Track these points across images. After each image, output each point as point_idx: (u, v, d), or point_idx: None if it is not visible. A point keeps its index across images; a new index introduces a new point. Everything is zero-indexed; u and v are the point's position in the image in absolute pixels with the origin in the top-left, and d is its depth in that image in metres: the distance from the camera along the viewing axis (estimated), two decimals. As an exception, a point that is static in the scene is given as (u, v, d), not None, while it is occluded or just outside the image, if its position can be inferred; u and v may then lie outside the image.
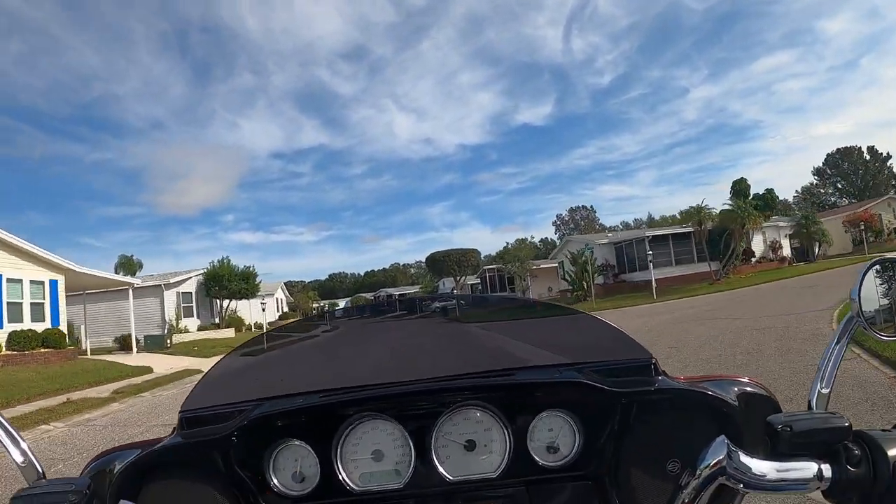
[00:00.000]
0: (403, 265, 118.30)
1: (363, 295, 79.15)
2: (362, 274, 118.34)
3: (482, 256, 56.33)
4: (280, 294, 54.34)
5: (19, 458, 0.90)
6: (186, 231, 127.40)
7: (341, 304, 77.68)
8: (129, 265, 53.38)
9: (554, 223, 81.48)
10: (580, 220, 79.35)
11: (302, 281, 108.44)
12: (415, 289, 69.84)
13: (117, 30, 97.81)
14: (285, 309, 54.93)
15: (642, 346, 1.12)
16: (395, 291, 70.37)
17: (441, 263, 52.07)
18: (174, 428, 1.08)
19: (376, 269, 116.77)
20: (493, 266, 54.31)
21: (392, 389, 1.06)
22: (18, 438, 0.91)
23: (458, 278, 51.96)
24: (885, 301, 1.01)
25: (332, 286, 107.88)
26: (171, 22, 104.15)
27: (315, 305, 58.32)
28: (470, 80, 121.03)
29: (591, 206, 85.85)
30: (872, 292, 1.01)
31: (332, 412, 1.02)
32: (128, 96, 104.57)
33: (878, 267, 1.02)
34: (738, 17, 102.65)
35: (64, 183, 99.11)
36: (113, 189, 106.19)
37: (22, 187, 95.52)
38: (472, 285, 57.22)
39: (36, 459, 0.90)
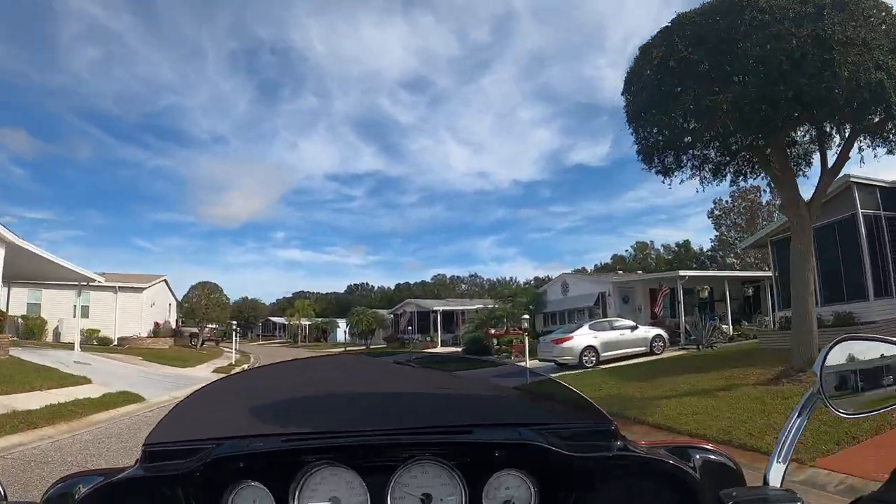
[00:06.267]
0: (451, 278, 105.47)
1: (380, 311, 52.38)
2: (392, 288, 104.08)
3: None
4: (151, 296, 36.07)
5: None
6: (237, 244, 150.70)
7: (342, 324, 62.53)
8: None
9: (711, 213, 57.65)
10: (753, 208, 54.87)
11: (316, 292, 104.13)
12: (474, 304, 49.38)
13: (191, 45, 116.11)
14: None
15: (603, 412, 1.24)
16: (440, 307, 48.92)
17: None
18: (137, 459, 1.18)
19: (412, 283, 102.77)
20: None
21: (352, 440, 1.14)
22: None
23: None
24: (848, 378, 1.10)
25: (349, 301, 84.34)
26: (243, 42, 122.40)
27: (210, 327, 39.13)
28: (528, 116, 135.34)
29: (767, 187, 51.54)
30: (835, 369, 1.12)
31: (291, 457, 1.11)
32: (195, 109, 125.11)
33: (842, 344, 1.12)
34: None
35: (124, 186, 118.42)
36: (170, 196, 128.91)
37: (84, 186, 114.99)
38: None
39: None
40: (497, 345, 30.54)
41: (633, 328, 22.89)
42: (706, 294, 29.68)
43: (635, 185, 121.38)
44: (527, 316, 23.09)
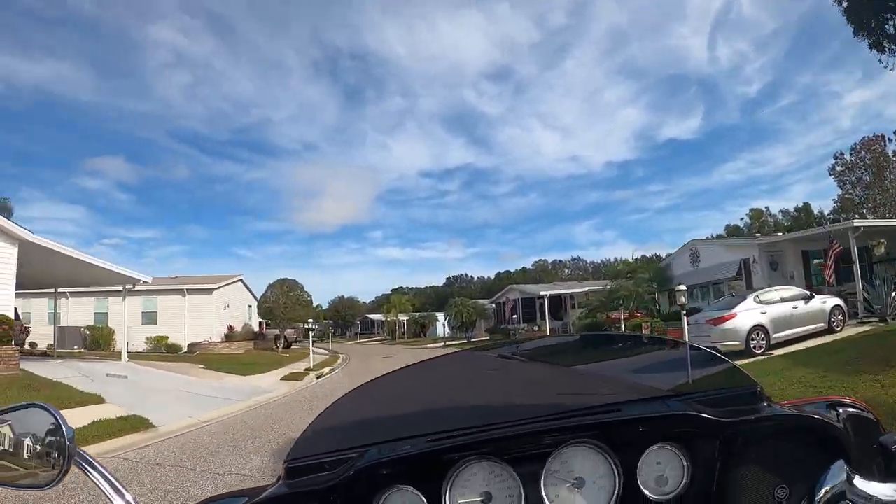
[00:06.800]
0: (553, 263, 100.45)
1: (480, 301, 55.89)
2: (492, 277, 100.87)
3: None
4: (224, 298, 33.66)
5: None
6: (337, 246, 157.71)
7: (441, 318, 59.35)
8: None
9: (832, 170, 51.72)
10: (880, 161, 48.37)
11: (415, 287, 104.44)
12: (584, 287, 43.85)
13: (272, 60, 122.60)
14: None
15: (746, 373, 1.26)
16: (546, 292, 42.91)
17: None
18: (279, 476, 1.20)
19: (513, 271, 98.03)
20: None
21: (500, 432, 1.14)
22: (122, 490, 1.04)
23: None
24: None
25: (448, 293, 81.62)
26: (322, 51, 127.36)
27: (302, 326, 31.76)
28: (615, 95, 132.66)
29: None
30: None
31: (438, 457, 1.10)
32: (283, 121, 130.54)
33: None
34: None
35: (222, 200, 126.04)
36: (267, 206, 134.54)
37: (184, 203, 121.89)
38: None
39: None
40: (622, 330, 25.31)
41: (807, 298, 16.99)
42: (882, 251, 23.11)
43: (733, 155, 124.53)
44: (683, 287, 17.27)
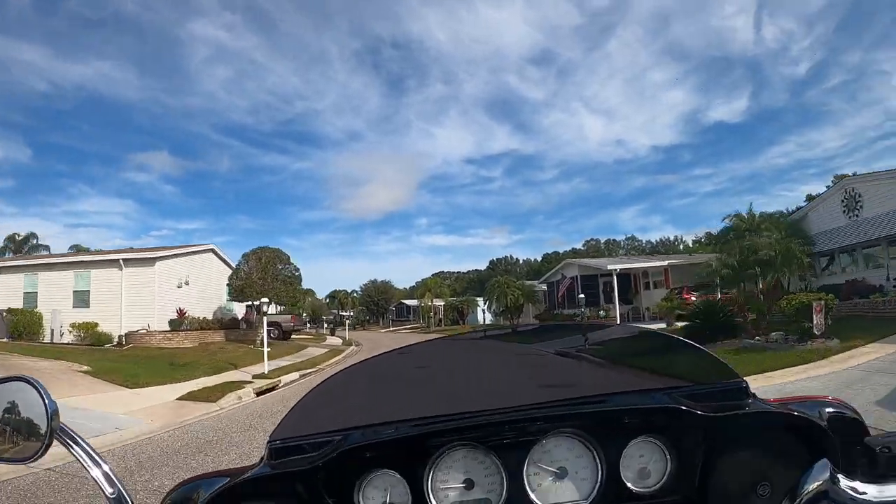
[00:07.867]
0: (607, 242, 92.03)
1: (528, 282, 49.63)
2: (538, 259, 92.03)
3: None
4: (177, 272, 25.91)
5: (109, 490, 1.06)
6: (382, 234, 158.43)
7: (482, 303, 51.36)
8: None
9: None
10: None
11: (456, 272, 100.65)
12: (665, 261, 36.16)
13: (314, 52, 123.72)
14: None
15: (732, 368, 1.25)
16: (616, 266, 34.74)
17: None
18: (262, 457, 1.19)
19: (562, 251, 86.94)
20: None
21: (485, 419, 1.13)
22: (101, 461, 1.07)
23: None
24: None
25: (492, 277, 73.77)
26: (364, 41, 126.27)
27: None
28: (660, 78, 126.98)
29: None
30: None
31: (421, 442, 1.11)
32: (327, 111, 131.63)
33: None
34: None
35: (269, 190, 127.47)
36: (314, 195, 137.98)
37: (230, 194, 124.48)
38: None
39: (120, 484, 1.06)
40: (783, 317, 15.64)
41: None
42: None
43: (780, 138, 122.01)
44: None
